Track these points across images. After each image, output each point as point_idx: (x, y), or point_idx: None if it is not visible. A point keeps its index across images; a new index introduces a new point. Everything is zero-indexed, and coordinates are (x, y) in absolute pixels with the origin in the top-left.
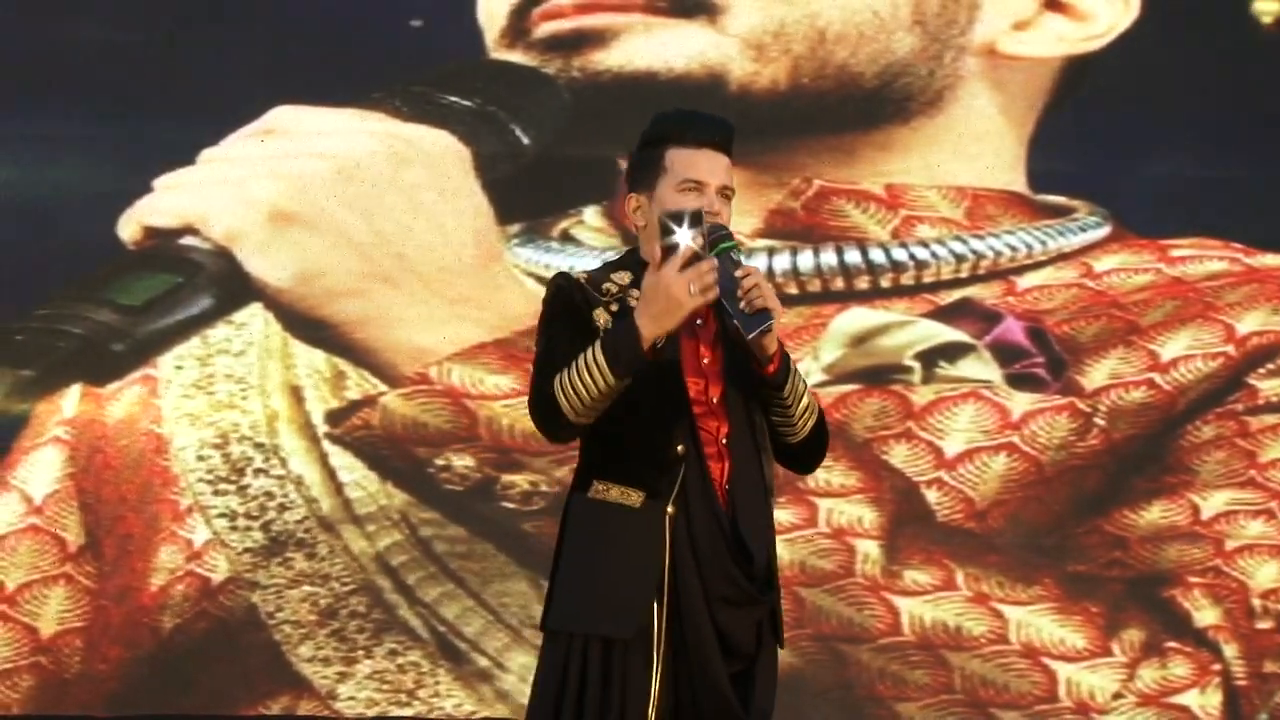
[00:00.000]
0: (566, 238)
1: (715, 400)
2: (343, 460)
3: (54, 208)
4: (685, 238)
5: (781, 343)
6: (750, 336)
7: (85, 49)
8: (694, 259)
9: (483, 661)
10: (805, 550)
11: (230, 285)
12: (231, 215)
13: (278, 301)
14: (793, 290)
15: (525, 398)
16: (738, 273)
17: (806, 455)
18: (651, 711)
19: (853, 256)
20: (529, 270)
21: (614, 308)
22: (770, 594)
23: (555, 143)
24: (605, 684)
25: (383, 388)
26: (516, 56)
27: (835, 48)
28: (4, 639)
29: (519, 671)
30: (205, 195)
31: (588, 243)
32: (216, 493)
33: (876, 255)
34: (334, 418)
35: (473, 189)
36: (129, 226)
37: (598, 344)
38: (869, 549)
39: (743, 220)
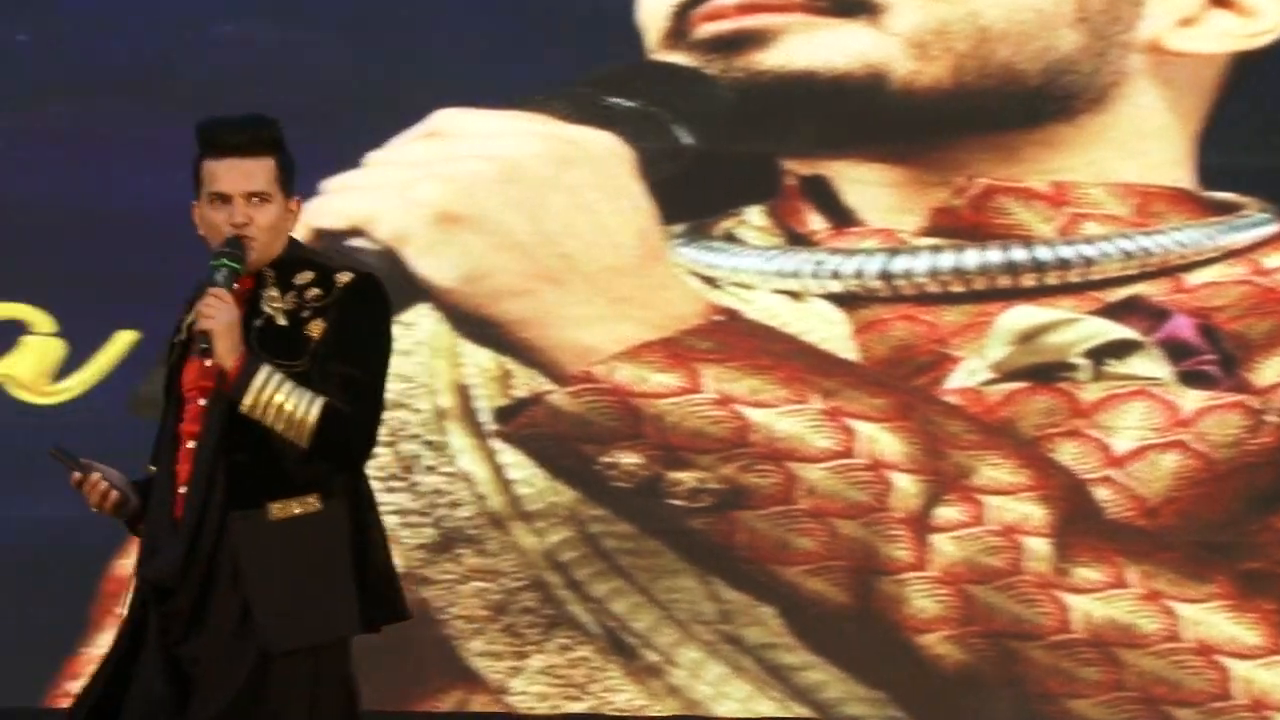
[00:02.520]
0: (729, 237)
1: (202, 404)
2: (511, 457)
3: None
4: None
5: (249, 360)
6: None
7: (257, 54)
8: (79, 483)
9: (653, 657)
10: (973, 547)
11: (398, 286)
12: (398, 217)
13: (445, 301)
14: (957, 288)
15: (691, 395)
16: (197, 300)
17: (323, 459)
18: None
19: (1018, 254)
20: (692, 270)
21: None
22: (173, 600)
23: (718, 143)
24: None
25: (550, 386)
26: (678, 57)
27: (998, 46)
28: None
29: (689, 666)
30: (372, 198)
31: (751, 242)
32: (388, 490)
33: (1042, 253)
34: (502, 415)
35: (636, 189)
36: (298, 229)
37: None
38: (1038, 546)
39: (906, 218)
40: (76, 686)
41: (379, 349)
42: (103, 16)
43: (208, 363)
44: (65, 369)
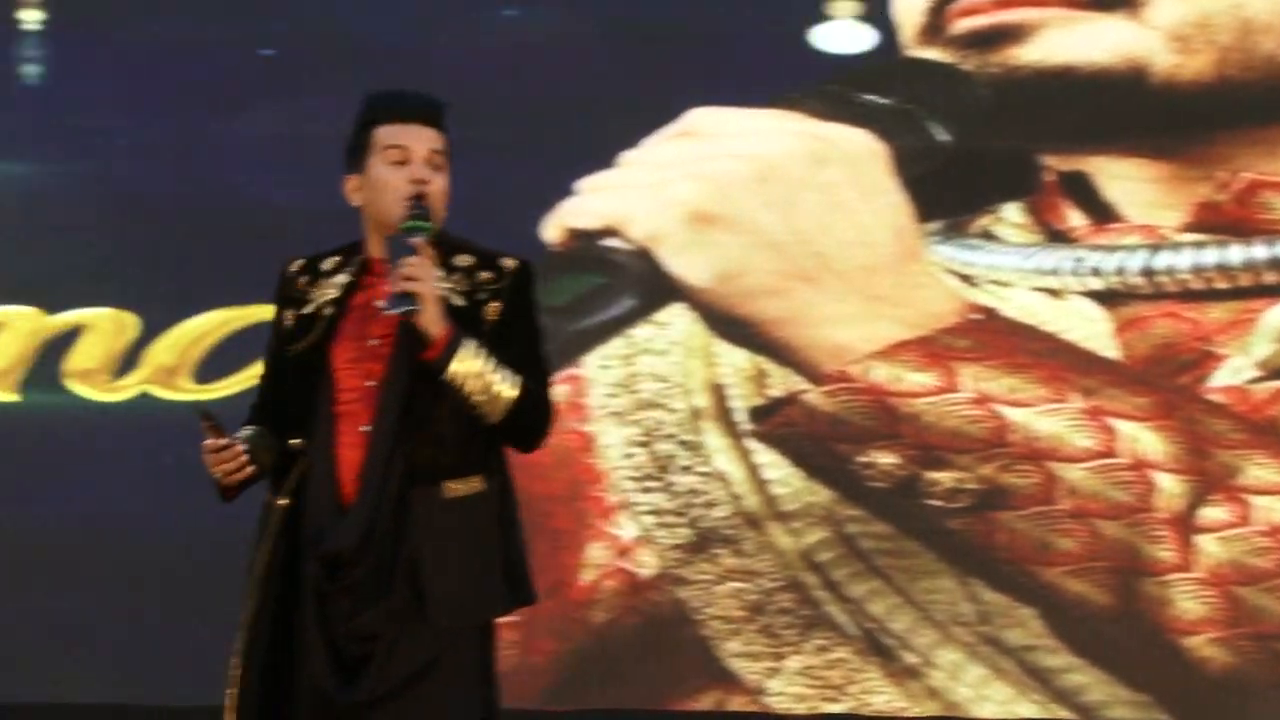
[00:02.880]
0: (987, 235)
1: (369, 385)
2: (766, 457)
3: (481, 210)
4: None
5: (455, 329)
6: (384, 312)
7: (510, 54)
8: (219, 449)
9: (911, 658)
10: (1240, 548)
11: (652, 285)
12: (652, 216)
13: (699, 301)
14: (1222, 284)
15: (948, 395)
16: (405, 259)
17: (508, 437)
18: (229, 699)
19: None
20: (949, 268)
21: (297, 303)
22: (349, 579)
23: (974, 139)
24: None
25: (805, 385)
26: (933, 54)
27: (1262, 38)
28: None
29: (948, 668)
30: (626, 197)
31: (1008, 239)
32: (643, 490)
33: None
34: (757, 415)
35: (891, 187)
36: (552, 229)
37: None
38: None
39: (1168, 214)
40: None
41: (542, 335)
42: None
43: (419, 325)
44: None
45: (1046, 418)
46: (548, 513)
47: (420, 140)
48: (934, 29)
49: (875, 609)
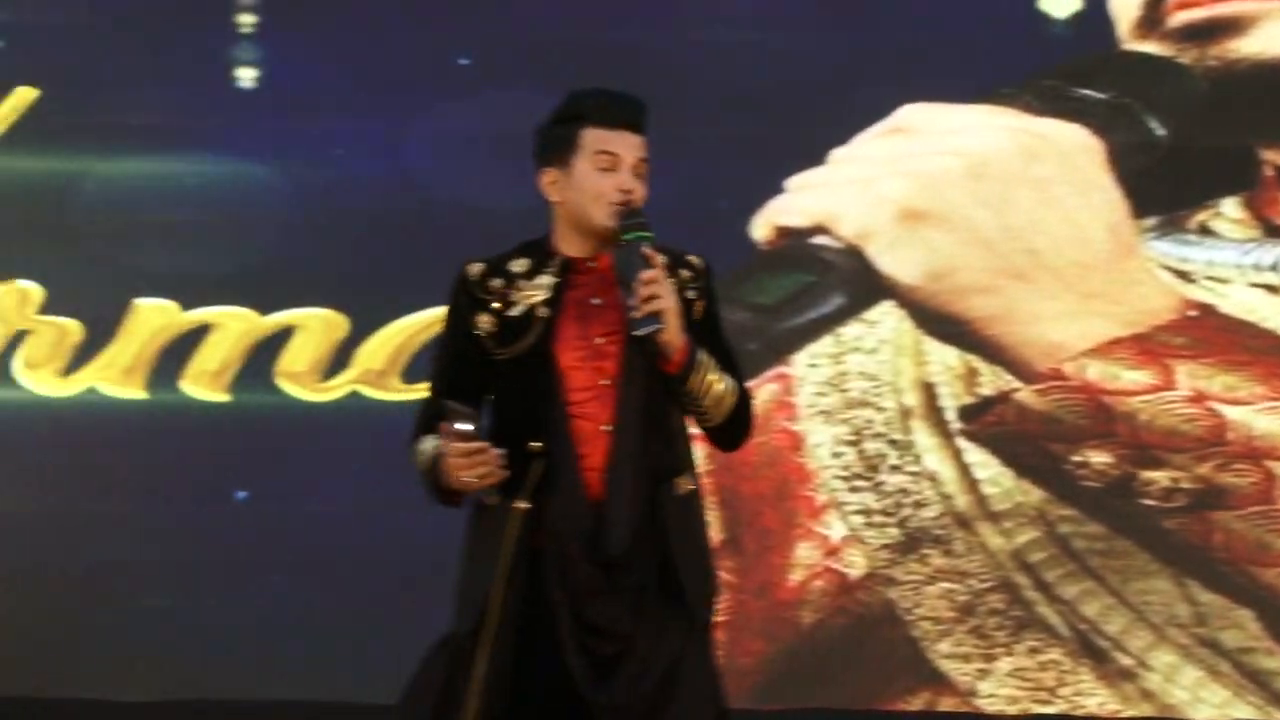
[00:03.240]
0: (1204, 230)
1: (603, 383)
2: (977, 457)
3: (691, 207)
4: (462, 429)
5: (690, 341)
6: (635, 334)
7: (718, 52)
8: (474, 451)
9: (1125, 660)
10: None
11: (861, 283)
12: (862, 214)
13: (909, 299)
14: None
15: (1164, 393)
16: (644, 272)
17: (722, 438)
18: (472, 702)
19: None
20: (1165, 264)
21: (495, 306)
22: (630, 580)
23: (1192, 133)
24: (451, 675)
25: (1017, 384)
26: (1150, 47)
27: None
28: None
29: (1163, 670)
30: (836, 195)
31: (1226, 235)
32: (852, 489)
33: None
34: (967, 414)
35: (1106, 182)
36: (762, 227)
37: (430, 459)
38: None
39: None
40: None
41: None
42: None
43: (659, 340)
44: None
45: (1265, 416)
46: (756, 512)
47: (629, 148)
48: (1151, 22)
49: (1088, 610)
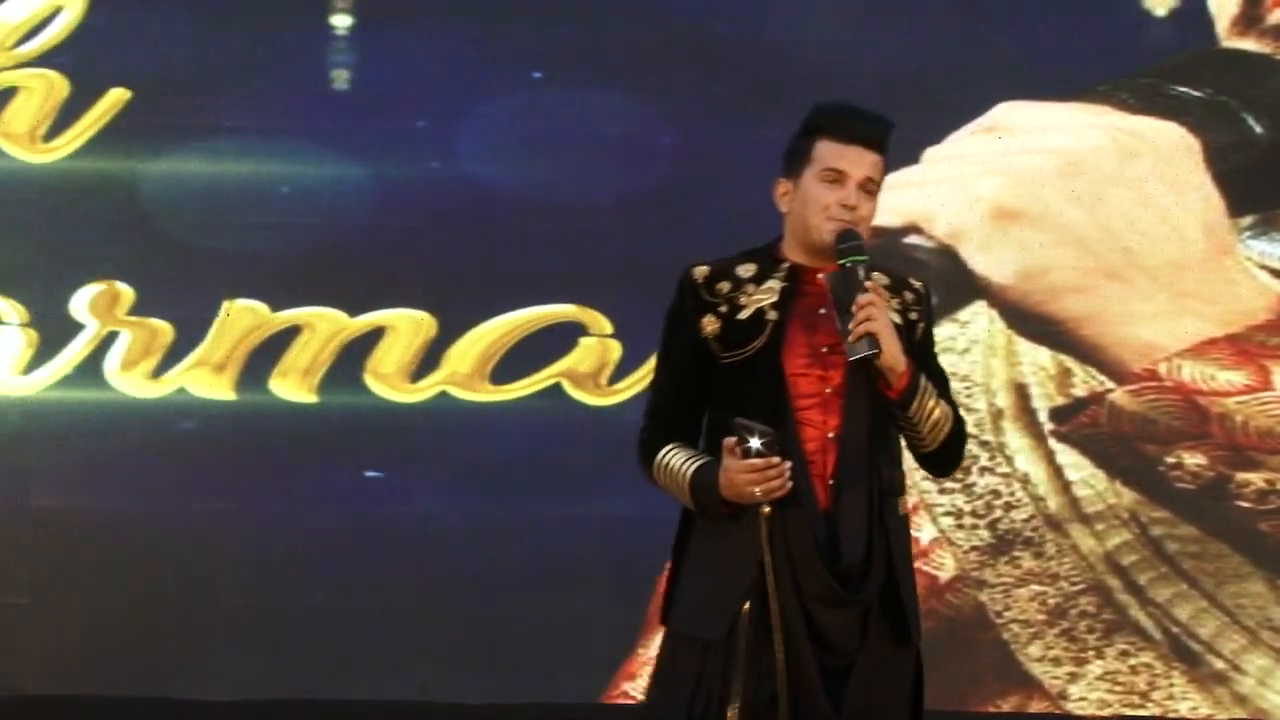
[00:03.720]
0: None
1: (829, 391)
2: (1069, 458)
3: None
4: (755, 443)
5: (913, 366)
6: (851, 359)
7: (816, 48)
8: (768, 467)
9: (1218, 664)
10: None
11: (954, 283)
12: (955, 213)
13: (1001, 299)
14: None
15: (1260, 393)
16: (860, 296)
17: (935, 464)
18: (730, 712)
19: None
20: (1262, 263)
21: (723, 309)
22: (863, 593)
23: None
24: (698, 683)
25: (1110, 385)
26: (1249, 44)
27: None
28: None
29: (1257, 674)
30: (929, 194)
31: None
32: (942, 491)
33: None
34: (1060, 415)
35: (1202, 181)
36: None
37: (689, 476)
38: None
39: None
40: (634, 687)
41: None
42: None
43: (878, 365)
44: (621, 370)
45: None
46: None
47: (859, 165)
48: (1251, 19)
49: (1181, 613)
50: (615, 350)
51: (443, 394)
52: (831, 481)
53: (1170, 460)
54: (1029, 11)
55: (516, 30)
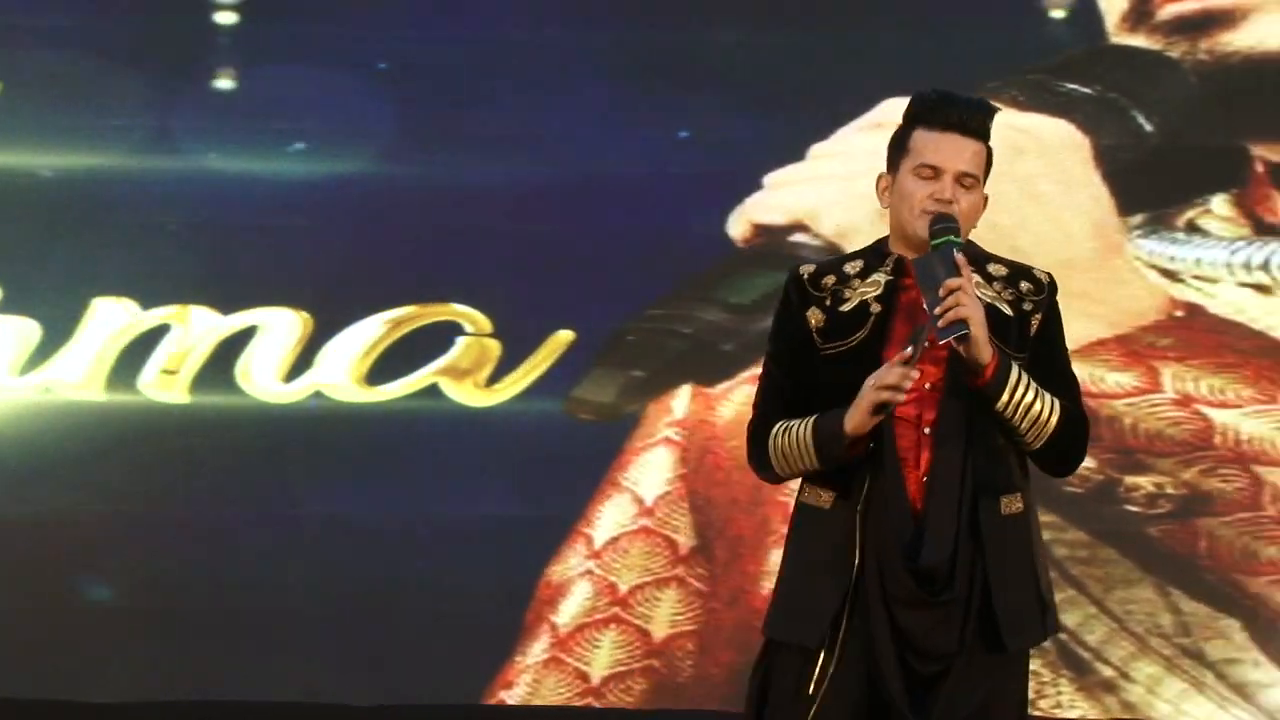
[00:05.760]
0: (1193, 228)
1: (926, 387)
2: None
3: (665, 206)
4: (909, 351)
5: (1001, 355)
6: (940, 342)
7: (709, 49)
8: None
9: (1107, 671)
10: None
11: None
12: (842, 211)
13: None
14: None
15: (1150, 395)
16: (949, 279)
17: (1045, 463)
18: (812, 712)
19: None
20: (1152, 263)
21: (828, 302)
22: (948, 594)
23: (1180, 129)
24: (796, 690)
25: None
26: (1139, 41)
27: None
28: (618, 641)
29: (1145, 682)
30: (816, 191)
31: (1215, 233)
32: None
33: None
34: None
35: (1092, 179)
36: (739, 224)
37: (810, 426)
38: None
39: None
40: (510, 695)
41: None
42: None
43: (968, 351)
44: (500, 369)
45: (1254, 419)
46: (728, 519)
47: (955, 157)
48: (1140, 15)
49: (1069, 620)
50: (494, 349)
51: (317, 394)
52: (925, 479)
53: None
54: (917, 7)
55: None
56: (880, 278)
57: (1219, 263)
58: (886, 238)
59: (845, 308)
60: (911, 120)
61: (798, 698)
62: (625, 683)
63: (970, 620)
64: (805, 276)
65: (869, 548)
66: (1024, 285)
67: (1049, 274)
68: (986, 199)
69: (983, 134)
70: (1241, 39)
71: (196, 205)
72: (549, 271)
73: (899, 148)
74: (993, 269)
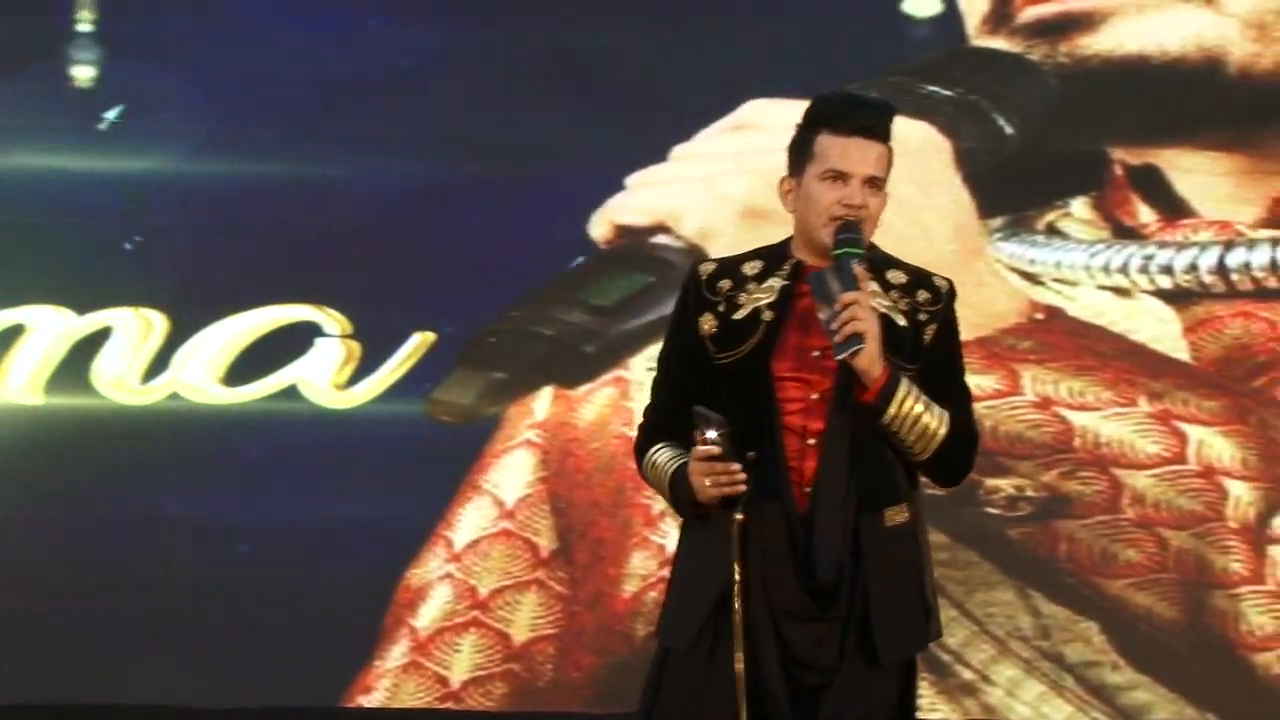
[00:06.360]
0: (1052, 231)
1: (814, 397)
2: None
3: (526, 207)
4: (711, 436)
5: (891, 368)
6: (836, 359)
7: (571, 50)
8: (717, 458)
9: (967, 674)
10: None
11: None
12: (703, 212)
13: None
14: None
15: (1010, 398)
16: (844, 294)
17: (933, 474)
18: (691, 715)
19: None
20: (1012, 266)
21: (722, 308)
22: (836, 609)
23: (1041, 132)
24: (676, 694)
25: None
26: (999, 43)
27: None
28: (477, 645)
29: (1006, 685)
30: (678, 192)
31: (1075, 236)
32: None
33: None
34: None
35: (953, 182)
36: (600, 225)
37: (673, 469)
38: None
39: (1244, 209)
40: (369, 700)
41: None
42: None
43: (857, 366)
44: (360, 372)
45: (1113, 422)
46: (589, 521)
47: (862, 162)
48: (1000, 17)
49: None
50: (355, 351)
51: (175, 395)
52: (810, 490)
53: None
54: (779, 9)
55: None
56: (776, 283)
57: (1078, 265)
58: (790, 239)
59: (738, 315)
60: (815, 123)
61: (677, 701)
62: (485, 686)
63: (850, 634)
64: (704, 277)
65: (752, 556)
66: (921, 294)
67: (949, 280)
68: (886, 197)
69: (887, 136)
70: (1101, 42)
71: (49, 205)
72: (410, 272)
73: (803, 151)
74: (892, 276)
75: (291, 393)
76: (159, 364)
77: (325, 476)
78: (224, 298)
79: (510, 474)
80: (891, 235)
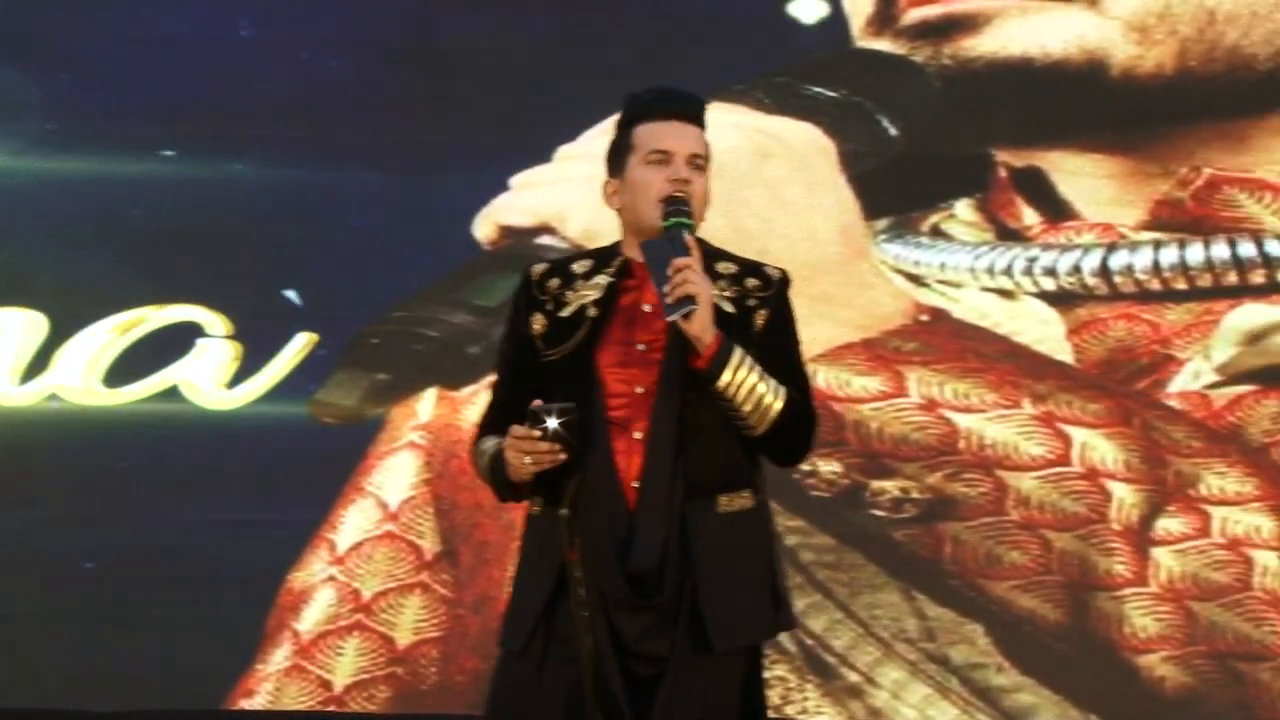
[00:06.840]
0: (937, 233)
1: (638, 391)
2: None
3: (410, 207)
4: (552, 423)
5: (723, 337)
6: (667, 319)
7: (456, 49)
8: (547, 438)
9: (853, 676)
10: (1197, 562)
11: None
12: (589, 213)
13: None
14: (1181, 285)
15: (895, 400)
16: (677, 259)
17: (772, 450)
18: (526, 713)
19: (1247, 249)
20: (897, 267)
21: (550, 307)
22: (658, 596)
23: (925, 134)
24: (513, 693)
25: None
26: (884, 45)
27: (1226, 28)
28: (361, 649)
29: (891, 687)
30: (562, 193)
31: (959, 237)
32: None
33: (1273, 247)
34: None
35: (838, 183)
36: (484, 226)
37: (492, 454)
38: (1268, 560)
39: (1126, 211)
40: (250, 703)
41: (800, 346)
42: None
43: (692, 331)
44: (242, 372)
45: (997, 424)
46: (474, 524)
47: (682, 141)
48: (885, 19)
49: (815, 625)
50: (236, 351)
51: (54, 397)
52: (636, 484)
53: (804, 468)
54: (665, 9)
55: None
56: (602, 280)
57: (963, 267)
58: (620, 240)
59: (564, 313)
60: (631, 119)
61: (512, 700)
62: (368, 690)
63: (681, 622)
64: (535, 278)
65: (585, 552)
66: (750, 282)
67: (782, 270)
68: (709, 183)
69: (702, 121)
70: (984, 44)
71: None
72: (292, 273)
73: (623, 147)
74: (721, 267)
75: (173, 394)
76: (38, 365)
77: (207, 478)
78: (105, 298)
79: (394, 476)
80: (776, 236)
